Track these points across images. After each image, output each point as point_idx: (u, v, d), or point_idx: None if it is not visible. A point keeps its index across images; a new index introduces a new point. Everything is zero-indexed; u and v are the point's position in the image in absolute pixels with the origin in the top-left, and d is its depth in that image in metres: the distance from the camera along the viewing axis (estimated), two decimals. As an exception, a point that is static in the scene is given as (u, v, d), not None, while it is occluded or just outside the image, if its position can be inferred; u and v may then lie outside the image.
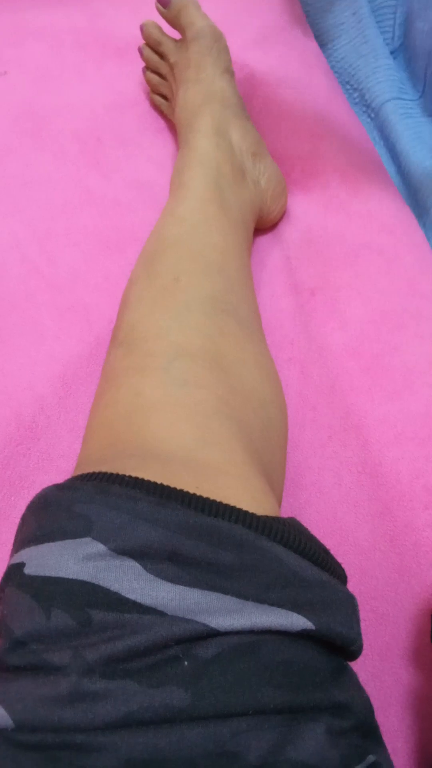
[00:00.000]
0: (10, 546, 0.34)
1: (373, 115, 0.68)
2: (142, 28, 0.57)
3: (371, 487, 0.42)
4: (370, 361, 0.46)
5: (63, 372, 0.46)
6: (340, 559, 0.40)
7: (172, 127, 0.59)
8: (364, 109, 0.69)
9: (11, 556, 0.27)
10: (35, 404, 0.44)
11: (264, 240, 0.54)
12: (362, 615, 0.39)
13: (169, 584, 0.23)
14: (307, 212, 0.54)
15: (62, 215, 0.53)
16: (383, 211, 0.54)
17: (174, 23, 0.55)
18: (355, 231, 0.52)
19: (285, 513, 0.42)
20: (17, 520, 0.40)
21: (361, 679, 0.29)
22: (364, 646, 0.36)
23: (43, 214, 0.53)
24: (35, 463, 0.43)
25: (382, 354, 0.47)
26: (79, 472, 0.31)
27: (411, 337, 0.47)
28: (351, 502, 0.42)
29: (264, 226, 0.54)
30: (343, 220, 0.53)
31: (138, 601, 0.23)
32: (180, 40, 0.55)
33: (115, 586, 0.23)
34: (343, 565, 0.33)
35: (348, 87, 0.70)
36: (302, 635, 0.25)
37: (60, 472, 0.43)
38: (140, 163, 0.55)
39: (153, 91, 0.59)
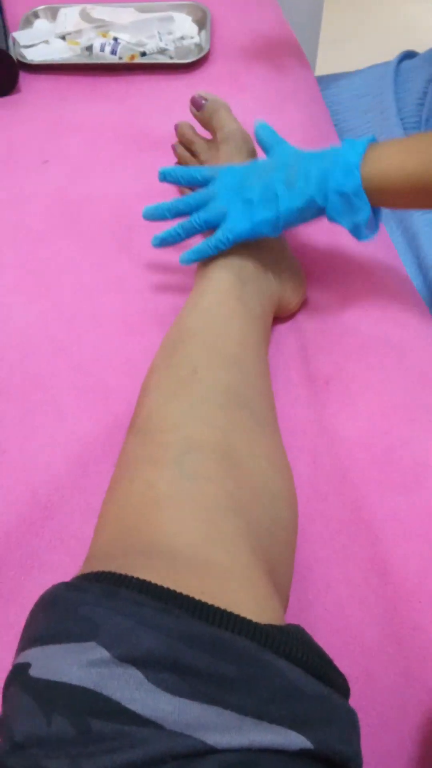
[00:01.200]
0: (18, 626, 0.34)
1: None
2: (176, 128, 0.61)
3: (379, 585, 0.42)
4: (380, 454, 0.47)
5: (80, 453, 0.47)
6: (345, 660, 0.39)
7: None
8: None
9: (17, 652, 0.28)
10: (51, 483, 0.46)
11: (282, 328, 0.56)
12: (365, 720, 0.38)
13: (169, 695, 0.24)
14: (325, 304, 0.56)
15: (90, 298, 0.56)
16: (398, 306, 0.55)
17: (206, 125, 0.59)
18: (370, 324, 0.54)
19: (293, 607, 0.42)
20: (26, 601, 0.40)
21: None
22: (367, 753, 0.35)
23: (72, 297, 0.56)
24: (47, 542, 0.44)
25: (393, 447, 0.47)
26: (89, 565, 0.31)
27: (421, 430, 0.48)
28: (359, 599, 0.42)
29: (283, 315, 0.56)
30: (359, 313, 0.55)
31: (138, 712, 0.23)
32: (211, 140, 0.59)
33: (116, 695, 0.24)
34: (348, 666, 0.33)
35: None
36: (300, 754, 0.25)
37: (70, 553, 0.43)
38: (167, 253, 0.57)
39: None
